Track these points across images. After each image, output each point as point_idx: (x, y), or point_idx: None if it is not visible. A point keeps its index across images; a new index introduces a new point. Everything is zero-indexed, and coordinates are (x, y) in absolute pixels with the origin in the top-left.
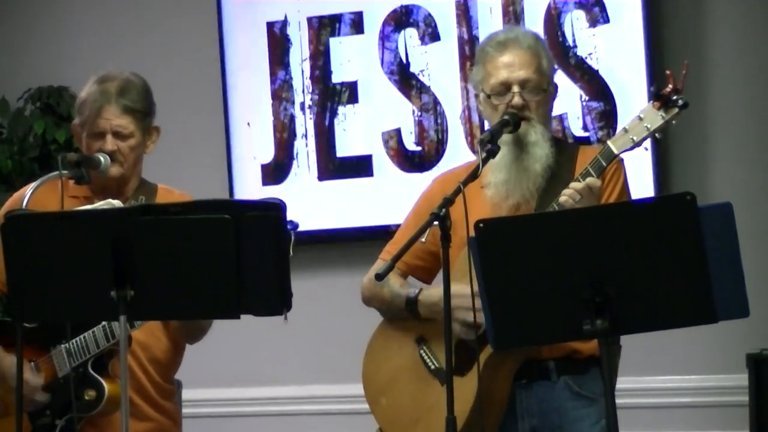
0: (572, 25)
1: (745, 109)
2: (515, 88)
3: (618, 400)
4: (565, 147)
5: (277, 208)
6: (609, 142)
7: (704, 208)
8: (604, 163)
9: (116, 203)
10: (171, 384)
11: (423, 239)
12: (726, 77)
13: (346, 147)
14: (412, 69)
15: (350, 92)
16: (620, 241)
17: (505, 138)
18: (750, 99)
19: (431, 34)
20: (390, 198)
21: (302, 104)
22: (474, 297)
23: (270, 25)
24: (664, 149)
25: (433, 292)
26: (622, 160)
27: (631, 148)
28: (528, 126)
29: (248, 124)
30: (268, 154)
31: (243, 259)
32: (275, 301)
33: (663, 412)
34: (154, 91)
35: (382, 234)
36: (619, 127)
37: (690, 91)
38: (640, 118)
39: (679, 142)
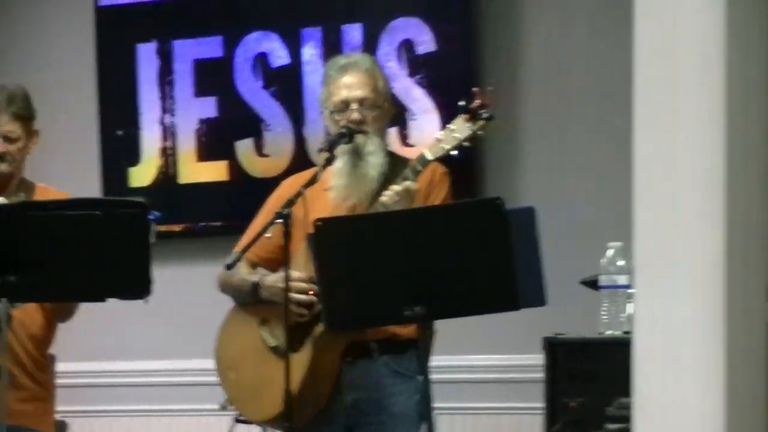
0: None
1: (551, 122)
2: (354, 106)
3: (433, 376)
4: (398, 158)
5: (140, 206)
6: (424, 150)
7: (511, 211)
8: (420, 167)
9: (1, 200)
10: (45, 358)
11: (268, 234)
12: (534, 95)
13: None
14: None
15: None
16: (437, 239)
17: (345, 148)
18: (555, 114)
19: None
20: None
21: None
22: (307, 280)
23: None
24: (480, 158)
25: (271, 277)
26: (448, 171)
27: (443, 155)
28: (365, 138)
29: (119, 132)
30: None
31: (110, 250)
32: (137, 286)
33: (472, 387)
34: (35, 98)
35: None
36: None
37: (504, 107)
38: (451, 129)
39: (492, 151)
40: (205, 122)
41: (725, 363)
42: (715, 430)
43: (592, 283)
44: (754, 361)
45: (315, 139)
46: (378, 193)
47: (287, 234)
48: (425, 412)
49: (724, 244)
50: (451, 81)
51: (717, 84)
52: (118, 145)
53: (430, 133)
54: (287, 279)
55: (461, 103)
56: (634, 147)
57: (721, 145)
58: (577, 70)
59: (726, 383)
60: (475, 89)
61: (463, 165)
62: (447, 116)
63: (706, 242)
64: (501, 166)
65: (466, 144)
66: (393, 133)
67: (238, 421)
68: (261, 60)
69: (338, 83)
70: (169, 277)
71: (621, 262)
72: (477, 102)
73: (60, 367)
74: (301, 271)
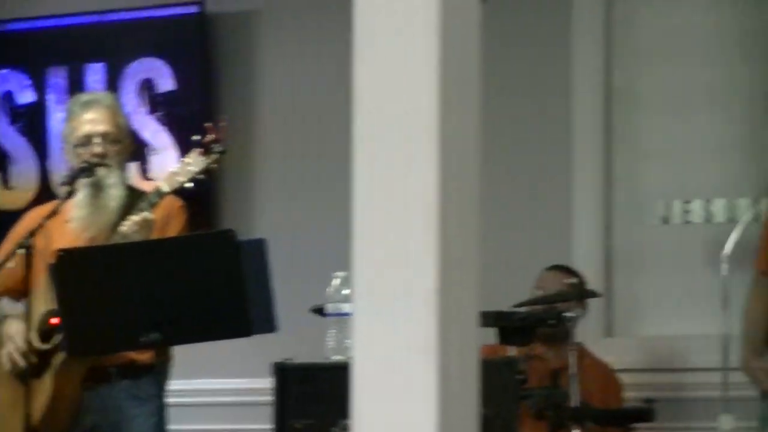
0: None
1: (284, 157)
2: (96, 140)
3: (170, 400)
4: (137, 191)
5: None
6: (160, 183)
7: (244, 242)
8: (156, 199)
9: None
10: None
11: (10, 264)
12: (269, 131)
13: None
14: None
15: None
16: (172, 269)
17: (86, 181)
18: (288, 148)
19: None
20: None
21: None
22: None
23: None
24: (216, 191)
25: (12, 328)
26: (185, 205)
27: (178, 187)
28: (107, 171)
29: None
30: None
31: None
32: None
33: (207, 410)
34: None
35: None
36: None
37: (239, 141)
38: (186, 163)
39: (228, 185)
40: None
41: (438, 386)
42: None
43: (320, 311)
44: (467, 383)
45: (59, 172)
46: (117, 224)
47: (29, 264)
48: None
49: (438, 274)
50: (189, 118)
51: (431, 122)
52: None
53: (169, 167)
54: (28, 310)
55: (195, 137)
56: (353, 180)
57: (435, 178)
58: (310, 106)
59: (439, 405)
60: (207, 124)
61: (200, 198)
62: (185, 151)
63: (421, 272)
64: (236, 199)
65: (200, 176)
66: (134, 167)
67: None
68: (7, 97)
69: (81, 119)
70: None
71: (346, 291)
72: (210, 136)
73: None
74: (42, 300)
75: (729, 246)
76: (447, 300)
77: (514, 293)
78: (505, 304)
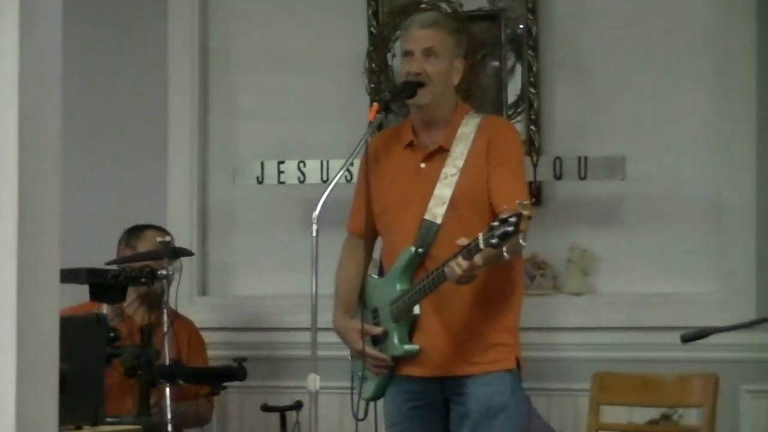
0: None
1: None
2: None
3: None
4: None
5: None
6: None
7: None
8: None
9: None
10: None
11: None
12: None
13: None
14: None
15: None
16: None
17: None
18: None
19: None
20: None
21: None
22: None
23: None
24: None
25: None
26: None
27: None
28: None
29: None
30: None
31: None
32: None
33: None
34: None
35: None
36: None
37: None
38: None
39: None
40: None
41: (16, 342)
42: (6, 407)
43: None
44: (46, 340)
45: None
46: None
47: None
48: None
49: (16, 230)
50: None
51: (10, 73)
52: None
53: None
54: None
55: None
56: None
57: (14, 132)
58: None
59: (17, 361)
60: None
61: None
62: None
63: None
64: None
65: None
66: None
67: None
68: None
69: None
70: None
71: None
72: None
73: None
74: None
75: (319, 207)
76: (25, 256)
77: (111, 251)
78: (100, 262)
